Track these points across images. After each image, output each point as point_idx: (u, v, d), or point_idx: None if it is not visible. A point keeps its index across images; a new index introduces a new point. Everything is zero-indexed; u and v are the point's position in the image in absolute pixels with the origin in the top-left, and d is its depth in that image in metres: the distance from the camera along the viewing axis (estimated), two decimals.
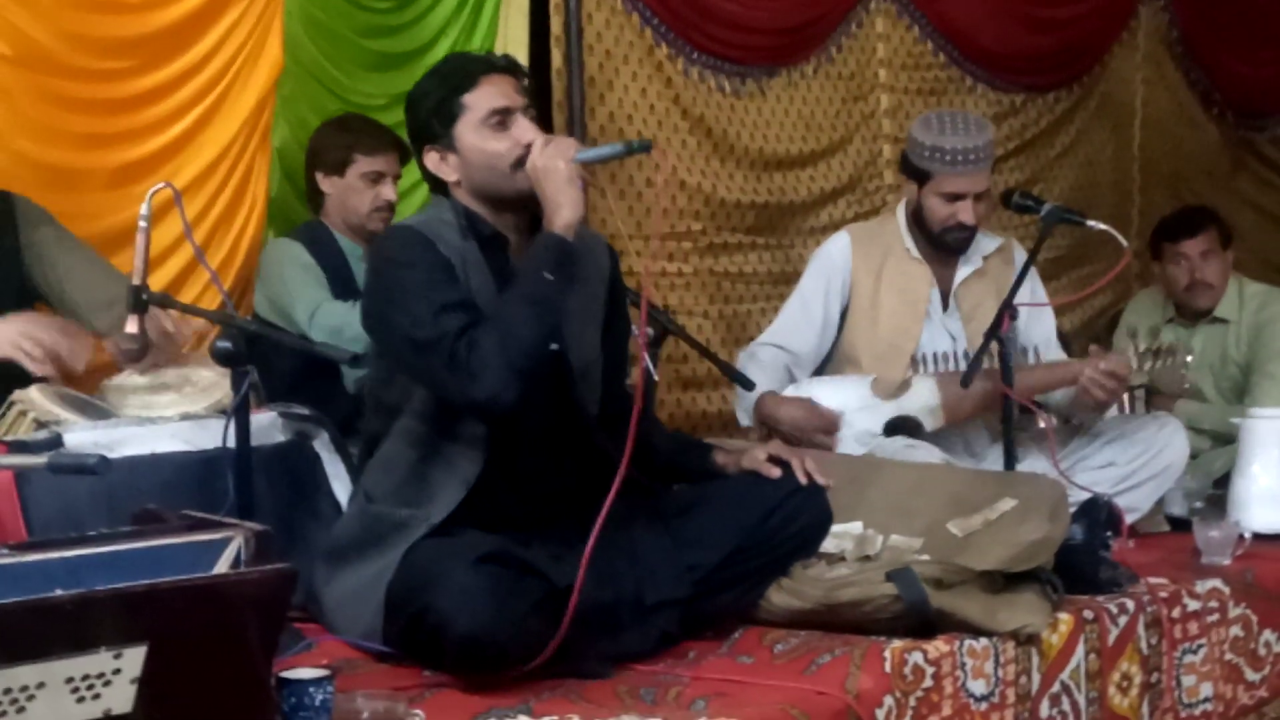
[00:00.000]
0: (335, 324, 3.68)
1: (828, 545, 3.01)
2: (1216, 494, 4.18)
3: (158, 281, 3.65)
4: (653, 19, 4.84)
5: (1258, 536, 3.80)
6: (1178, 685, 3.32)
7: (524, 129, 2.85)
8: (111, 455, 2.60)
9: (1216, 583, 3.44)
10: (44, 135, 3.64)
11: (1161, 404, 4.74)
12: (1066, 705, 3.05)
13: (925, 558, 2.96)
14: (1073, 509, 3.34)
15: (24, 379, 3.16)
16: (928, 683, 2.74)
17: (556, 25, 4.57)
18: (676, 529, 2.90)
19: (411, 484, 2.82)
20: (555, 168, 2.76)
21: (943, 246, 4.09)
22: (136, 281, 2.91)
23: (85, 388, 3.29)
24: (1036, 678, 2.98)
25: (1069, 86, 6.23)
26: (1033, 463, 3.84)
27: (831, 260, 4.16)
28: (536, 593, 2.60)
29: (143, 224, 2.89)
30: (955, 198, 4.00)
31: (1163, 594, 3.30)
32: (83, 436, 2.93)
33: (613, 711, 2.44)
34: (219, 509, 2.60)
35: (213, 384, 3.21)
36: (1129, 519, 3.76)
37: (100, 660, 1.88)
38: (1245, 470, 3.96)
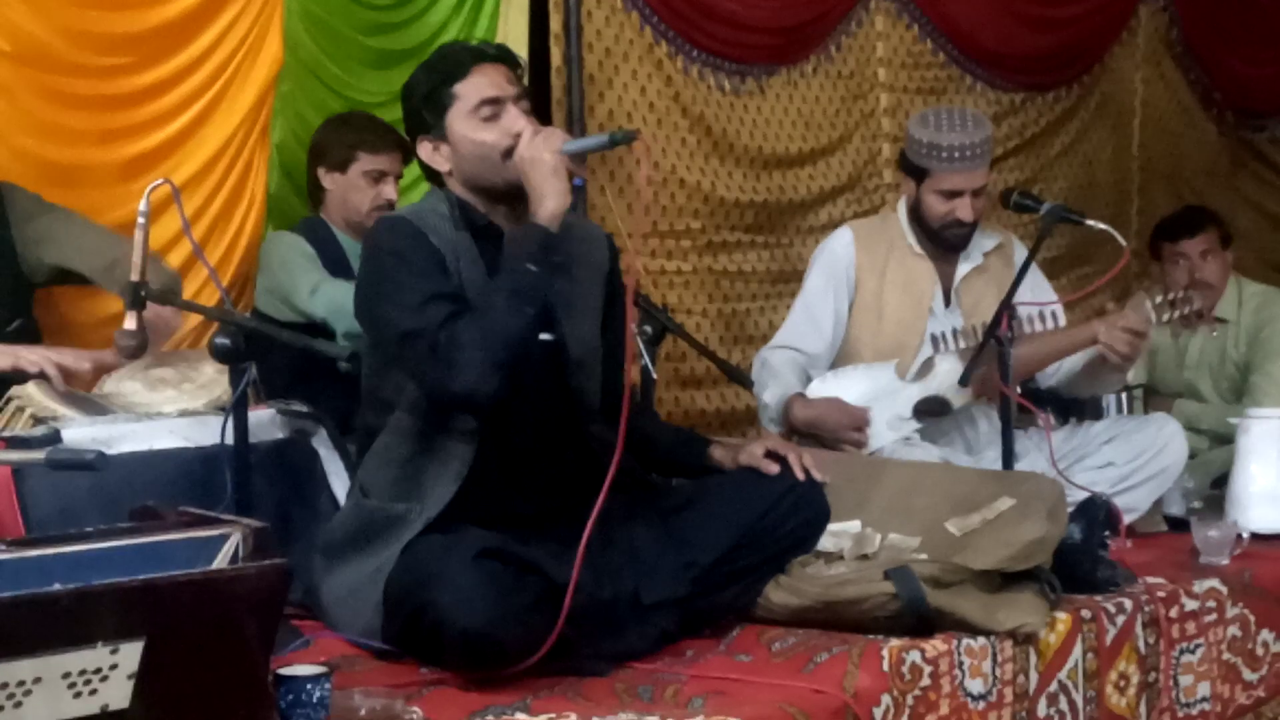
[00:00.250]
0: (338, 301, 3.63)
1: (826, 544, 3.01)
2: (1215, 494, 4.18)
3: None
4: (652, 17, 4.84)
5: (1256, 536, 3.80)
6: (1175, 685, 3.32)
7: (514, 119, 2.85)
8: (110, 451, 2.60)
9: (1214, 582, 3.44)
10: (44, 131, 3.64)
11: (1160, 404, 4.75)
12: (1064, 705, 3.05)
13: (923, 557, 2.96)
14: (1071, 509, 3.33)
15: (22, 376, 3.16)
16: (925, 682, 2.74)
17: (556, 23, 4.57)
18: (674, 526, 2.90)
19: (406, 478, 2.81)
20: (541, 159, 2.75)
21: (942, 243, 4.09)
22: (135, 278, 2.91)
23: (84, 384, 3.29)
24: (1034, 677, 2.98)
25: (1069, 86, 6.24)
26: (1031, 462, 3.84)
27: (836, 256, 4.16)
28: (536, 589, 2.60)
29: (141, 220, 2.90)
30: (953, 194, 4.00)
31: (1160, 594, 3.30)
32: (81, 432, 2.93)
33: (610, 709, 2.44)
34: (217, 506, 2.60)
35: (211, 381, 3.22)
36: (1127, 519, 3.75)
37: (97, 655, 1.88)
38: (1243, 470, 3.95)
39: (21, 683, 1.83)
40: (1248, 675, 3.51)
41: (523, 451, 2.84)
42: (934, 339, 3.94)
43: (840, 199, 5.40)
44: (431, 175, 2.96)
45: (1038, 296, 3.99)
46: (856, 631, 2.82)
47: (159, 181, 2.91)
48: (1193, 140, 6.73)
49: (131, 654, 1.91)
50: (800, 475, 2.98)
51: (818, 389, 3.97)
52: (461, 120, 2.87)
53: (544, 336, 2.86)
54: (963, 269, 4.13)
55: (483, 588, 2.53)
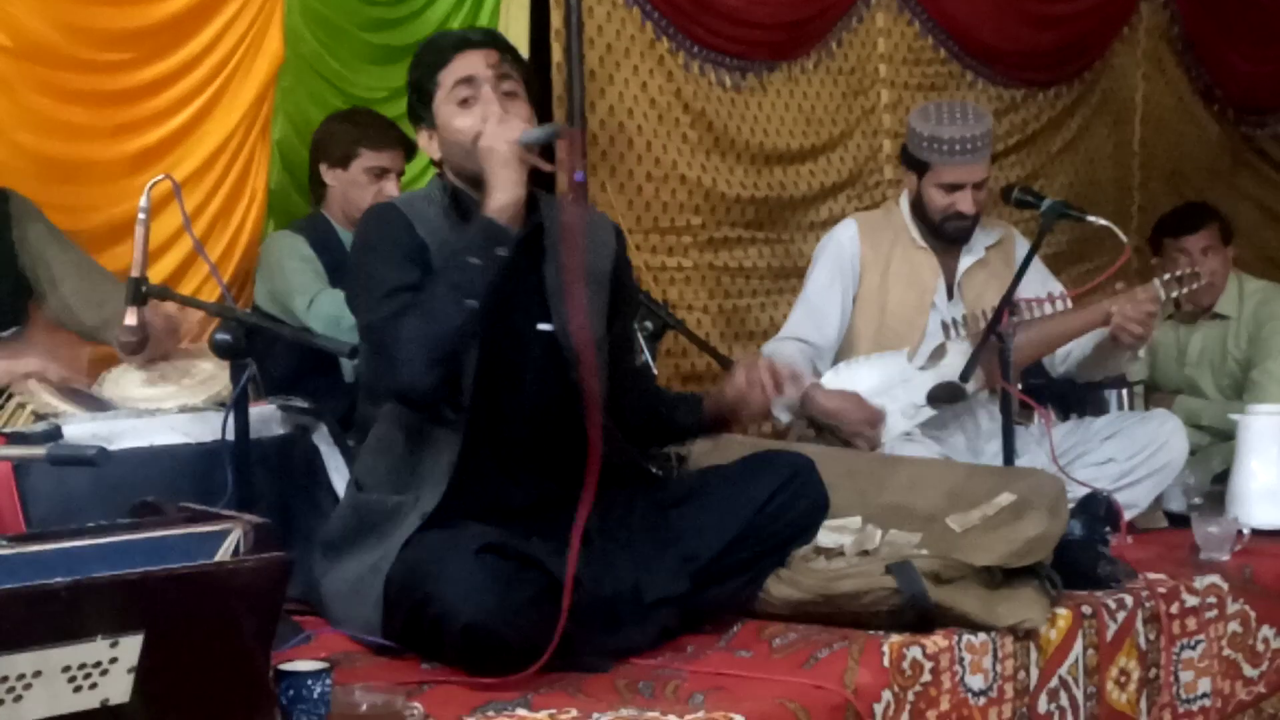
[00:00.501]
0: (334, 313, 3.67)
1: (826, 540, 3.01)
2: (1215, 490, 4.18)
3: (157, 274, 3.65)
4: (653, 13, 4.84)
5: (1256, 532, 3.80)
6: (1176, 681, 3.32)
7: (487, 104, 2.81)
8: (110, 447, 2.59)
9: (1215, 579, 3.44)
10: (45, 127, 3.64)
11: (1161, 400, 4.75)
12: (1065, 700, 3.05)
13: (924, 552, 2.96)
14: (1071, 505, 3.34)
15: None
16: (926, 677, 2.74)
17: (557, 19, 4.56)
18: (674, 520, 2.89)
19: (400, 469, 2.81)
20: (495, 148, 2.72)
21: (944, 236, 4.10)
22: (136, 274, 2.91)
23: (84, 380, 3.29)
24: (1035, 673, 2.98)
25: (1070, 82, 6.23)
26: (1032, 458, 3.84)
27: (841, 247, 4.17)
28: (537, 584, 2.59)
29: (142, 216, 2.89)
30: (954, 187, 4.02)
31: (1161, 590, 3.30)
32: (81, 428, 2.93)
33: (611, 705, 2.44)
34: (218, 502, 2.60)
35: (212, 376, 3.22)
36: (1128, 515, 3.76)
37: (97, 649, 1.88)
38: (1244, 466, 3.96)
39: (21, 676, 1.83)
40: (1248, 671, 3.51)
41: (517, 442, 2.82)
42: (944, 325, 3.96)
43: (841, 195, 5.40)
44: (437, 164, 2.96)
45: (1044, 287, 4.00)
46: (857, 627, 2.82)
47: (159, 178, 2.90)
48: (1194, 136, 6.72)
49: (131, 648, 1.91)
50: (772, 392, 2.93)
51: (831, 380, 3.98)
52: (443, 107, 2.86)
53: (542, 327, 2.85)
54: (965, 262, 4.14)
55: (484, 582, 2.53)
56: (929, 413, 3.93)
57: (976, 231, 4.13)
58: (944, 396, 3.90)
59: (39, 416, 3.03)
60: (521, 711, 2.41)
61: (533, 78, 2.99)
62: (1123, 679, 3.19)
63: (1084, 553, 3.26)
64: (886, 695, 2.65)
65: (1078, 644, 3.08)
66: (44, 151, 3.63)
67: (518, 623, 2.53)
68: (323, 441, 3.29)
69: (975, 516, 3.12)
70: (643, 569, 2.80)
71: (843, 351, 4.13)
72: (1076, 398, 4.54)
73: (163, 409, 3.13)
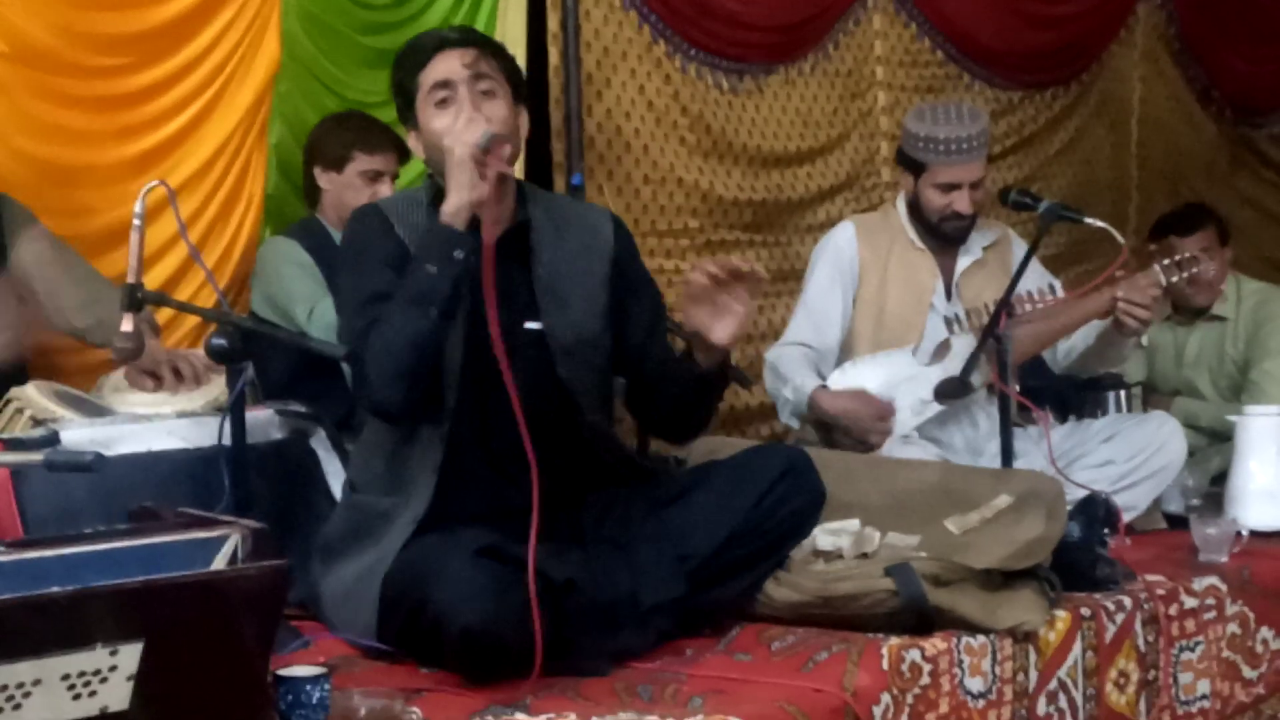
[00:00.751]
0: (333, 320, 3.66)
1: (825, 543, 3.01)
2: (1214, 491, 4.18)
3: (154, 279, 3.65)
4: (650, 16, 4.83)
5: (1255, 534, 3.80)
6: (1175, 683, 3.32)
7: (460, 104, 2.80)
8: (108, 453, 2.60)
9: (1214, 580, 3.44)
10: (40, 131, 3.63)
11: (1159, 402, 4.75)
12: (1064, 702, 3.05)
13: (923, 555, 2.96)
14: (1070, 507, 3.33)
15: (20, 377, 3.16)
16: (925, 680, 2.74)
17: (554, 22, 4.56)
18: (670, 518, 2.87)
19: (391, 471, 2.81)
20: (452, 149, 2.70)
21: (942, 237, 4.10)
22: (131, 280, 2.90)
23: (82, 385, 3.29)
24: (1034, 675, 2.98)
25: (1067, 84, 6.23)
26: (1030, 460, 3.84)
27: (840, 250, 4.17)
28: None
29: (137, 221, 2.88)
30: (951, 187, 4.02)
31: (1160, 591, 3.30)
32: (79, 434, 2.93)
33: (610, 709, 2.44)
34: (215, 507, 2.60)
35: (209, 381, 3.21)
36: (1126, 517, 3.75)
37: (96, 657, 1.88)
38: (1242, 467, 3.96)
39: (21, 685, 1.83)
40: (1247, 673, 3.51)
41: (506, 442, 2.75)
42: (947, 321, 3.96)
43: (839, 197, 5.40)
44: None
45: (1043, 283, 4.00)
46: (856, 629, 2.82)
47: (154, 183, 2.89)
48: (1191, 138, 6.72)
49: (130, 655, 1.90)
50: (723, 274, 2.75)
51: (838, 380, 3.99)
52: (423, 109, 2.86)
53: (530, 325, 2.84)
54: (963, 263, 4.15)
55: (482, 585, 2.53)
56: (936, 408, 3.93)
57: (973, 232, 4.14)
58: (951, 391, 3.91)
59: (37, 422, 3.03)
60: (520, 715, 2.41)
61: (517, 72, 2.97)
62: (1122, 681, 3.19)
63: (1083, 554, 3.26)
64: (885, 698, 2.65)
65: (1077, 646, 3.08)
66: (42, 156, 3.63)
67: (515, 625, 2.52)
68: (320, 446, 3.29)
69: (974, 519, 3.12)
70: (640, 572, 2.79)
71: (842, 354, 4.13)
72: (1075, 399, 4.54)
73: (160, 414, 3.13)
